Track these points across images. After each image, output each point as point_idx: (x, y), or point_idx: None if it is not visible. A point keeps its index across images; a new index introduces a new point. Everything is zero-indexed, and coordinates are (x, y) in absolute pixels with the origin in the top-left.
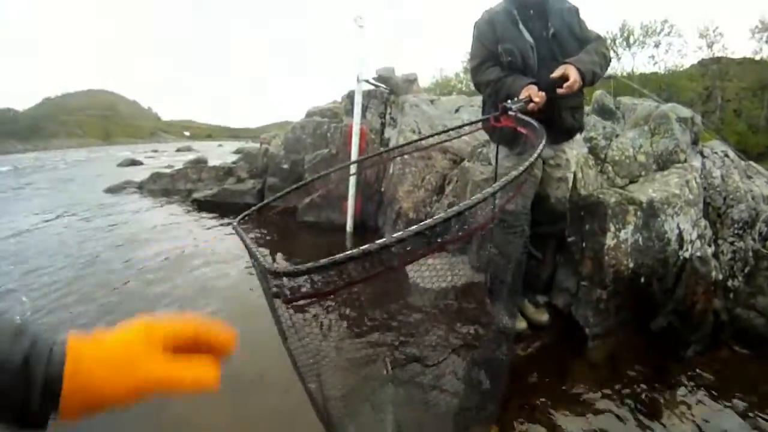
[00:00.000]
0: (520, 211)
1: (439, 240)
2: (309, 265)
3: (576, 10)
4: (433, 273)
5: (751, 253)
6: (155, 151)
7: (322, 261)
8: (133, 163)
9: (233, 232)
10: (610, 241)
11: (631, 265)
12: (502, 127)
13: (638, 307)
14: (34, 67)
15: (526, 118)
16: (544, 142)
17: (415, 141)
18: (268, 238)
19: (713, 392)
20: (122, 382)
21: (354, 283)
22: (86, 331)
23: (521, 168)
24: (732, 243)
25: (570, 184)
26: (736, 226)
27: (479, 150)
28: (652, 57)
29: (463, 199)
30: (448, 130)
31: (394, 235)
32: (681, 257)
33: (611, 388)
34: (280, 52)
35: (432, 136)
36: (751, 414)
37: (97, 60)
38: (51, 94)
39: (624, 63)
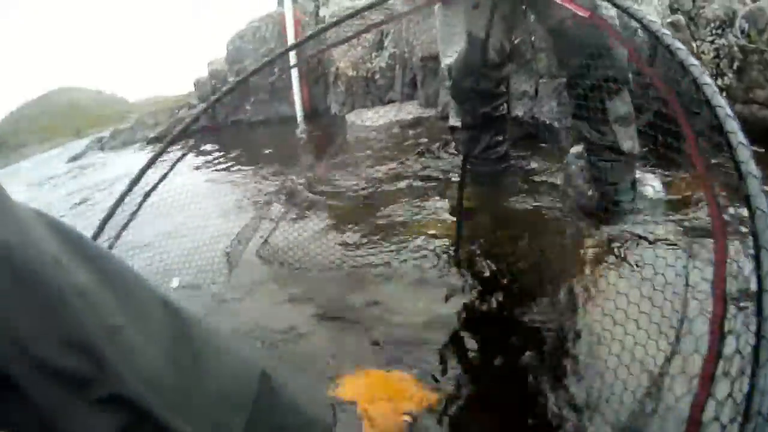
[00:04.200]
0: None
1: None
2: None
3: None
4: (379, 114)
5: (736, 49)
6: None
7: None
8: (99, 140)
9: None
10: None
11: None
12: None
13: None
14: None
15: None
16: None
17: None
18: (224, 153)
19: None
20: None
21: None
22: None
23: None
24: (712, 42)
25: None
26: (712, 25)
27: None
28: None
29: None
30: None
31: None
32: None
33: None
34: None
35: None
36: None
37: (49, 61)
38: (8, 109)
39: None
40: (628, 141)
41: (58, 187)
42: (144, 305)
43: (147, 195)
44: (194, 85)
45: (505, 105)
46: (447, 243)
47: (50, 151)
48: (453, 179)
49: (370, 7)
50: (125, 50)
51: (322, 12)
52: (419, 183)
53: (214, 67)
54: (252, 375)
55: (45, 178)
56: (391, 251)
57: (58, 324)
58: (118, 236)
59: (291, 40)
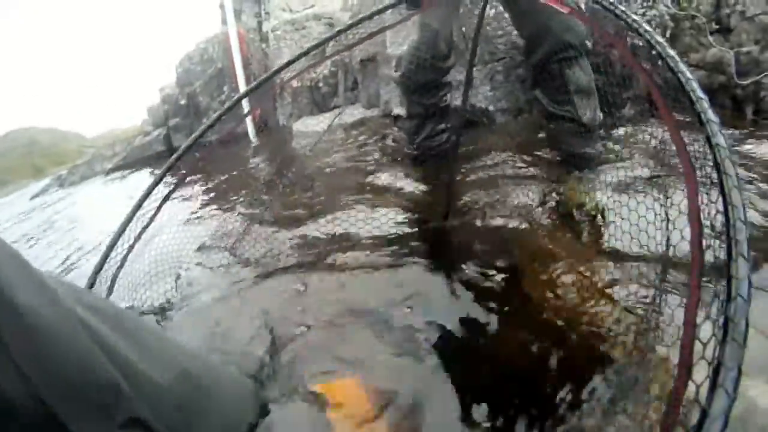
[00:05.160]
0: None
1: None
2: None
3: None
4: (322, 120)
5: (668, 18)
6: None
7: None
8: (59, 178)
9: None
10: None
11: None
12: None
13: None
14: None
15: None
16: None
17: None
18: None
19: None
20: None
21: None
22: None
23: None
24: (644, 14)
25: None
26: None
27: None
28: None
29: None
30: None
31: None
32: None
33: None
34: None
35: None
36: None
37: (6, 102)
38: None
39: None
40: (589, 112)
41: (18, 227)
42: (152, 345)
43: (131, 247)
44: (147, 111)
45: (449, 95)
46: (397, 210)
47: (12, 194)
48: (388, 163)
49: (327, 40)
50: (79, 87)
51: (265, 27)
52: (361, 170)
53: (166, 91)
54: (246, 397)
55: (5, 220)
56: (351, 223)
57: (87, 369)
58: (114, 280)
59: (237, 58)
